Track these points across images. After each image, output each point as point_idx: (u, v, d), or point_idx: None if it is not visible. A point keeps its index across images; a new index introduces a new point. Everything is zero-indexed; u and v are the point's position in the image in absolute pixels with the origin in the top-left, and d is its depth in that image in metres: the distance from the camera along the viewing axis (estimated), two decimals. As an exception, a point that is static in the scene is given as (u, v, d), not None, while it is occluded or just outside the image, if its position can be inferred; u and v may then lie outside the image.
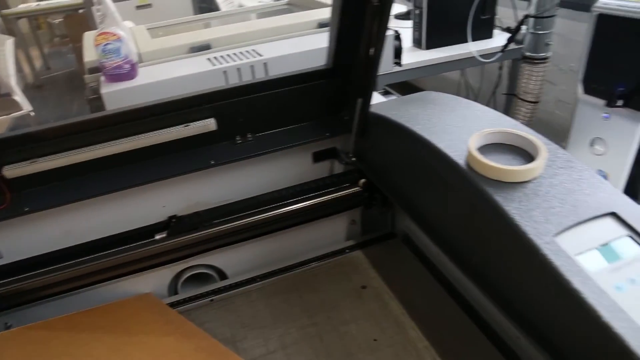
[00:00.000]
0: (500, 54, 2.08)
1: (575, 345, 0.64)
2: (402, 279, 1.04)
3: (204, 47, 1.67)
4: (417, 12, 2.13)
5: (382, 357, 0.89)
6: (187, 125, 1.01)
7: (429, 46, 2.15)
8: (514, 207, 0.71)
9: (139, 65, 1.55)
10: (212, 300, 1.05)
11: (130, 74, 1.47)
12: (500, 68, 2.42)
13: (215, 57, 1.62)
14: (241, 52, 1.66)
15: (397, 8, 2.64)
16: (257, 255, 1.13)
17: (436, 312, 0.96)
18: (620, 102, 1.08)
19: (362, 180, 1.10)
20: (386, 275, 1.05)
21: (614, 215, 0.70)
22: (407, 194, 0.97)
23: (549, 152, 0.80)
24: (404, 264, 1.08)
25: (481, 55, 2.11)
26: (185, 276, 1.10)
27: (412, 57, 2.08)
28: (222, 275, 1.14)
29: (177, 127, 1.01)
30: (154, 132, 1.00)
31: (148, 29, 1.87)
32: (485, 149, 0.83)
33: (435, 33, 2.14)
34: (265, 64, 1.61)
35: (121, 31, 1.46)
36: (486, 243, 0.78)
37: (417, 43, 2.18)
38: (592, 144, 1.17)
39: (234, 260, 1.12)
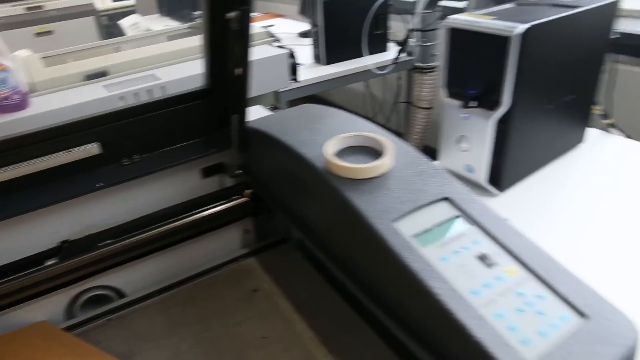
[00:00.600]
0: (393, 66, 2.25)
1: (415, 314, 0.74)
2: (292, 280, 1.12)
3: (100, 74, 1.69)
4: (315, 30, 2.26)
5: (272, 351, 0.95)
6: (70, 151, 1.04)
7: (329, 61, 2.29)
8: (362, 200, 0.81)
9: (31, 96, 1.55)
10: (109, 319, 1.07)
11: (20, 105, 1.46)
12: (399, 79, 2.60)
13: (112, 84, 1.64)
14: (139, 77, 1.70)
15: (298, 26, 2.77)
16: (154, 271, 1.16)
17: (322, 307, 1.04)
18: (474, 104, 1.23)
19: (248, 191, 1.17)
20: (277, 278, 1.12)
21: (447, 200, 0.82)
22: (284, 200, 1.05)
23: (397, 150, 0.91)
24: (295, 267, 1.16)
25: (377, 68, 2.27)
26: (81, 299, 1.11)
27: (313, 72, 2.20)
28: (121, 295, 1.16)
29: (60, 152, 1.03)
30: (37, 159, 1.02)
31: (43, 57, 1.86)
32: (344, 152, 0.93)
33: (333, 49, 2.28)
34: (163, 88, 1.65)
35: (8, 61, 1.45)
36: (345, 237, 0.88)
37: (317, 59, 2.31)
38: (458, 142, 1.31)
39: (130, 279, 1.15)
